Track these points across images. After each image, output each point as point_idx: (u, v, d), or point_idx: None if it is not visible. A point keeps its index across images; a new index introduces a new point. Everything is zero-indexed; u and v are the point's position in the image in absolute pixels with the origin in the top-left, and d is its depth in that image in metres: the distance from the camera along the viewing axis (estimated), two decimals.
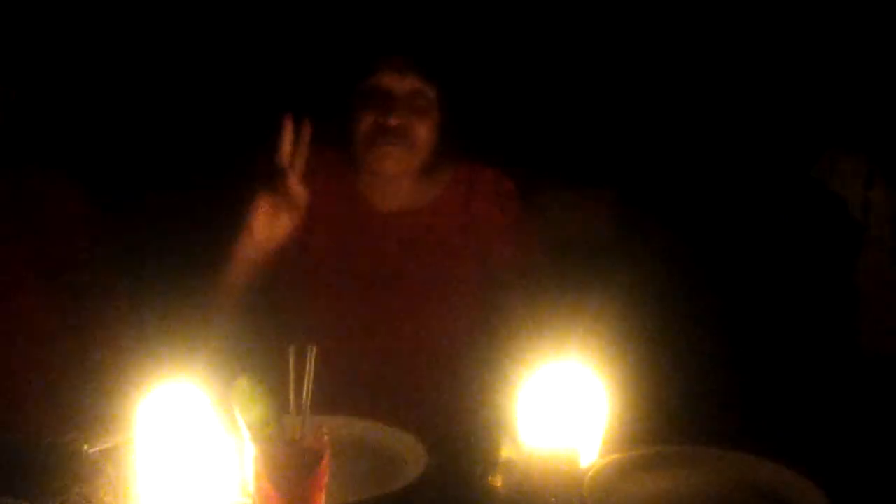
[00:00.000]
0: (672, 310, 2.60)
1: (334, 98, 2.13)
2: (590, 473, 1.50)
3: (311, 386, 1.33)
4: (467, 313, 2.22)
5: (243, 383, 1.32)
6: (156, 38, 2.92)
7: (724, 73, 2.86)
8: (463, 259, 2.21)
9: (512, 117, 2.89)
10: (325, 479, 1.33)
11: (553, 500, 1.35)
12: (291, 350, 1.32)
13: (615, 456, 1.57)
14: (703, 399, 2.38)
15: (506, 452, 1.44)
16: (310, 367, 1.32)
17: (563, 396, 1.43)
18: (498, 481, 1.44)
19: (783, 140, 2.71)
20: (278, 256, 2.09)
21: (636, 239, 2.74)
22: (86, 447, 1.65)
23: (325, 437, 1.33)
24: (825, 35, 2.75)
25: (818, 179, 2.48)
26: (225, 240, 2.13)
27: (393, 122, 2.07)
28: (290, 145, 1.96)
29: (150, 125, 2.90)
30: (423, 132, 2.12)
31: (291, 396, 1.33)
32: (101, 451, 1.65)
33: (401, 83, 2.09)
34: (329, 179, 2.20)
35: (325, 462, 1.33)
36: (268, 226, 2.02)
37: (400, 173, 2.17)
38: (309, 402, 1.33)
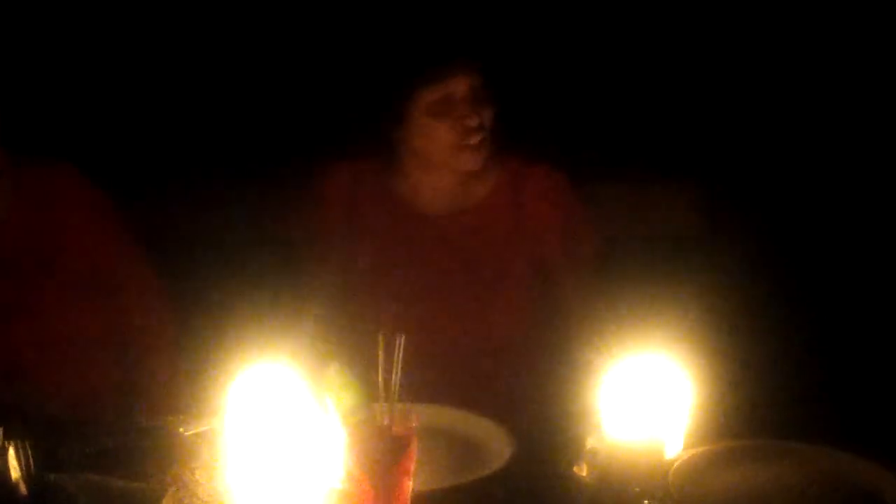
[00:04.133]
0: (759, 303, 2.57)
1: (386, 110, 2.13)
2: (675, 465, 1.50)
3: (399, 373, 1.35)
4: (524, 308, 2.22)
5: (334, 370, 1.35)
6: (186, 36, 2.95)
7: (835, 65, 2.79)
8: (514, 257, 2.21)
9: (574, 108, 2.87)
10: (413, 465, 1.36)
11: (637, 489, 1.35)
12: (381, 338, 1.34)
13: (701, 448, 1.57)
14: (788, 393, 2.36)
15: (590, 442, 1.44)
16: (398, 355, 1.34)
17: (646, 387, 1.43)
18: (583, 470, 1.45)
19: None
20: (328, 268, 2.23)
21: (722, 231, 2.70)
22: (181, 430, 1.70)
23: (413, 424, 1.36)
24: None
25: None
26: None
27: (474, 122, 2.10)
28: None
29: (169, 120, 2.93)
30: (490, 123, 2.14)
31: (380, 383, 1.35)
32: (196, 434, 1.70)
33: (470, 84, 2.10)
34: (372, 189, 2.23)
35: (413, 448, 1.35)
36: None
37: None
38: (397, 390, 1.35)
